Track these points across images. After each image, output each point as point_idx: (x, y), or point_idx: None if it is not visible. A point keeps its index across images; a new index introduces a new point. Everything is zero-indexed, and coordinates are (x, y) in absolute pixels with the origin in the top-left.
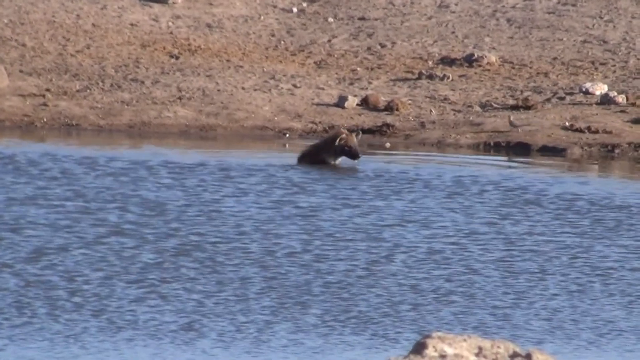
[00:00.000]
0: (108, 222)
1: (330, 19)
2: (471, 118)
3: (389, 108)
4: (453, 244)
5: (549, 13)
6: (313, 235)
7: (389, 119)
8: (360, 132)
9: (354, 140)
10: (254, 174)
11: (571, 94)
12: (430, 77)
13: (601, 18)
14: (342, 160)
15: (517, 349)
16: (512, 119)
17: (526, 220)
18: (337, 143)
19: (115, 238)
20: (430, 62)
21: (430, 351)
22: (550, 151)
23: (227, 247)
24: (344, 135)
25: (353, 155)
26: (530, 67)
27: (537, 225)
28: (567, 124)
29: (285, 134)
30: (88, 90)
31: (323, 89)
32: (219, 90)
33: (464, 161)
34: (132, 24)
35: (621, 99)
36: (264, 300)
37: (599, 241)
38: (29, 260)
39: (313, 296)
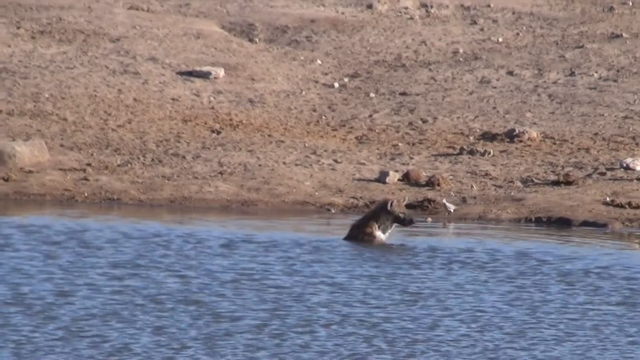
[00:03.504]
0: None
1: (372, 94)
2: (512, 193)
3: (431, 183)
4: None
5: (590, 89)
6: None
7: (431, 194)
8: (406, 198)
9: (403, 206)
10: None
11: (612, 169)
12: (472, 152)
13: None
14: (389, 235)
15: None
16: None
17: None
18: (389, 208)
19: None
20: (471, 138)
21: None
22: (591, 226)
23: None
24: (394, 201)
25: (407, 222)
26: (572, 143)
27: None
28: (608, 199)
29: (329, 210)
30: (129, 165)
31: (364, 164)
32: (260, 165)
33: (519, 236)
34: (173, 99)
35: None
36: None
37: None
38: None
39: None
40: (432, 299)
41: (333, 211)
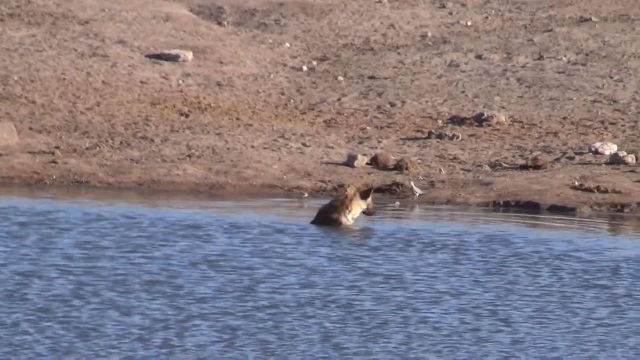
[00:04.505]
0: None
1: (340, 78)
2: (481, 177)
3: (399, 167)
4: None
5: (559, 73)
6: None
7: (399, 178)
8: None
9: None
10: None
11: (580, 153)
12: (440, 136)
13: (611, 78)
14: (355, 220)
15: None
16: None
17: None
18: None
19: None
20: (439, 121)
21: None
22: (560, 210)
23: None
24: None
25: (372, 212)
26: (540, 127)
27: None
28: (576, 183)
29: (302, 193)
30: (97, 148)
31: (332, 147)
32: (228, 148)
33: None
34: (142, 82)
35: (631, 158)
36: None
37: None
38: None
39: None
40: (398, 281)
41: (306, 195)
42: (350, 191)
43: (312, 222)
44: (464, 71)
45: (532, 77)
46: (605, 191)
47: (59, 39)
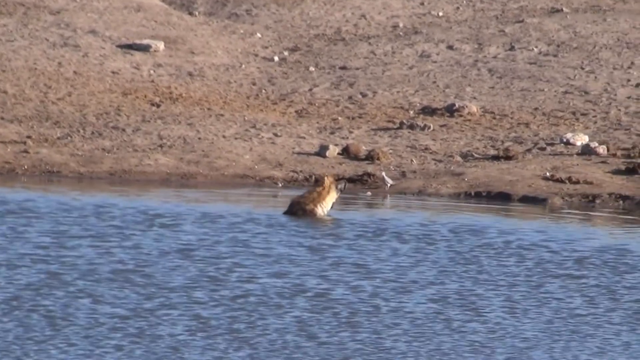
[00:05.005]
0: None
1: (312, 68)
2: (452, 168)
3: (370, 157)
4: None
5: (530, 64)
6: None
7: (370, 168)
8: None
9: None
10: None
11: (552, 144)
12: (411, 126)
13: (582, 69)
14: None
15: None
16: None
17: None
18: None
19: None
20: (411, 112)
21: None
22: (531, 201)
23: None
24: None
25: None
26: (511, 118)
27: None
28: (547, 174)
29: (276, 183)
30: (69, 138)
31: (304, 137)
32: (199, 138)
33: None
34: (113, 72)
35: (602, 149)
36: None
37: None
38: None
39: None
40: (369, 271)
41: (280, 185)
42: (327, 182)
43: (285, 213)
44: (435, 62)
45: (504, 67)
46: (577, 182)
47: (31, 28)
